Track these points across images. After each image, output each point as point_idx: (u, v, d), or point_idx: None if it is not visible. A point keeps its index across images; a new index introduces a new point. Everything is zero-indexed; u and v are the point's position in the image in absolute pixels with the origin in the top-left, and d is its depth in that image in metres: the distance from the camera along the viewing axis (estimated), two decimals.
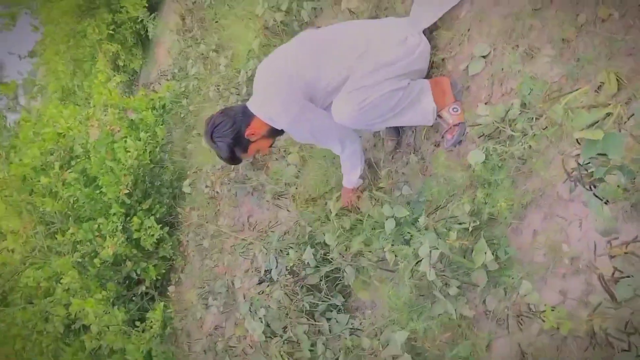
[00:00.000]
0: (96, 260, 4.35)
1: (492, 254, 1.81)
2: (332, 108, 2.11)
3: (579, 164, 1.39)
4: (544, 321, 1.57)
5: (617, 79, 1.60)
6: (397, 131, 2.57)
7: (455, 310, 1.86)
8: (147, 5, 7.43)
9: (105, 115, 4.71)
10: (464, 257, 1.84)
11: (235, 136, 2.24)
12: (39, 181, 4.36)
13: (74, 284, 4.19)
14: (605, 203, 1.39)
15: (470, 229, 1.82)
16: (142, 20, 7.62)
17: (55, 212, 4.47)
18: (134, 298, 4.95)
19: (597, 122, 1.38)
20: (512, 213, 1.88)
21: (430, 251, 1.83)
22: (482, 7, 2.18)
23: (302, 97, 2.12)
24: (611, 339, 1.32)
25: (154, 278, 4.81)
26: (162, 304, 4.23)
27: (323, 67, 2.11)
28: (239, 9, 4.39)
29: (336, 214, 2.53)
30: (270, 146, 2.44)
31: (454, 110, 2.19)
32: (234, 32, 4.50)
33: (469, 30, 2.25)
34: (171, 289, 4.66)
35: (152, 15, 7.53)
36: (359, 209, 2.51)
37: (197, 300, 4.07)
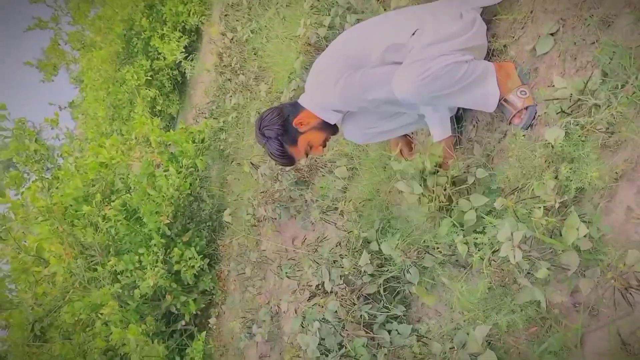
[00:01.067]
0: (136, 292, 4.24)
1: (586, 234, 1.62)
2: (393, 81, 1.98)
3: None
4: None
5: None
6: (456, 125, 2.44)
7: (545, 298, 1.66)
8: (184, 49, 7.61)
9: (147, 146, 4.71)
10: (552, 238, 1.65)
11: (282, 124, 2.19)
12: (81, 212, 4.33)
13: (114, 316, 4.06)
14: None
15: (557, 205, 1.65)
16: (179, 64, 7.79)
17: (97, 244, 4.41)
18: (173, 335, 4.80)
19: None
20: (603, 190, 1.70)
21: (512, 233, 1.66)
22: None
23: (353, 70, 2.03)
24: None
25: (194, 313, 4.66)
26: (203, 333, 4.05)
27: (374, 42, 2.04)
28: (279, 34, 4.40)
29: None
30: (324, 144, 2.32)
31: (522, 93, 2.06)
32: (274, 58, 4.50)
33: (532, 11, 2.14)
34: (212, 321, 4.49)
35: (190, 56, 7.69)
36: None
37: (240, 330, 3.88)
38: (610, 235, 1.66)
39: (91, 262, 4.57)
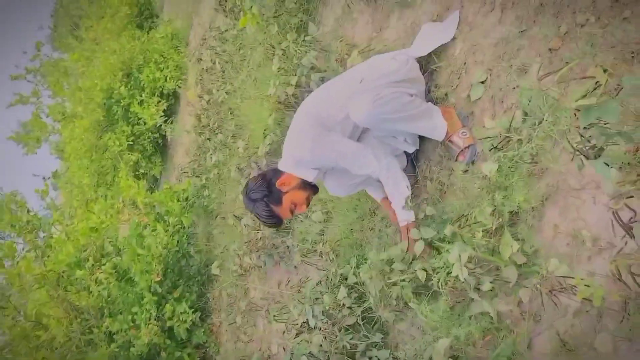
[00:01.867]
0: (132, 350, 4.38)
1: (519, 250, 1.90)
2: (350, 107, 2.29)
3: (581, 135, 1.54)
4: (575, 294, 1.64)
5: (604, 71, 1.79)
6: (413, 167, 2.74)
7: (492, 308, 1.92)
8: (163, 112, 7.93)
9: (134, 208, 4.95)
10: (492, 255, 1.93)
11: (267, 188, 2.43)
12: (74, 277, 4.52)
13: None
14: (613, 167, 1.52)
15: (494, 227, 1.93)
16: (159, 128, 8.09)
17: (90, 307, 4.57)
18: None
19: (588, 92, 1.54)
20: (532, 212, 2.00)
21: (460, 254, 1.93)
22: (473, 41, 2.43)
23: (327, 129, 2.34)
24: (638, 280, 1.39)
25: None
26: None
27: (332, 102, 2.38)
28: (252, 95, 4.73)
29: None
30: (308, 202, 2.54)
31: (463, 134, 2.37)
32: (249, 116, 4.82)
33: (465, 63, 2.48)
34: None
35: (169, 119, 8.01)
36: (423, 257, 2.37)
37: None
38: (542, 249, 1.95)
39: (86, 325, 4.71)
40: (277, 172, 2.49)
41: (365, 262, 2.86)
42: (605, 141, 1.52)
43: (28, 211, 4.92)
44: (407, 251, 2.36)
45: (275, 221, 2.49)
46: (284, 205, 2.44)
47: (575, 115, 1.66)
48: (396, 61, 2.43)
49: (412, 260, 2.33)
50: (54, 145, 10.72)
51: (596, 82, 1.55)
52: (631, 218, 1.41)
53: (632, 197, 1.43)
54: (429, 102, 2.45)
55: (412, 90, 2.36)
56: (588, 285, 1.63)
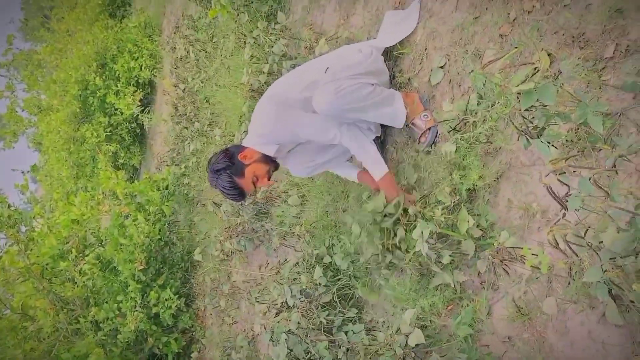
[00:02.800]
0: (119, 337, 4.49)
1: (475, 224, 2.05)
2: (313, 98, 2.40)
3: (523, 117, 1.67)
4: (524, 262, 1.79)
5: (548, 55, 1.92)
6: (381, 150, 2.86)
7: (452, 279, 2.07)
8: (139, 102, 7.95)
9: (115, 199, 5.02)
10: (452, 231, 2.07)
11: (229, 160, 2.51)
12: (58, 269, 4.59)
13: None
14: (552, 146, 1.66)
15: (452, 205, 2.07)
16: (137, 118, 8.11)
17: (76, 297, 4.67)
18: None
19: (528, 77, 1.67)
20: (488, 188, 2.14)
21: (422, 231, 2.07)
22: (432, 27, 2.55)
23: (291, 106, 2.46)
24: (572, 246, 1.54)
25: (176, 351, 4.92)
26: None
27: (296, 85, 2.49)
28: (226, 83, 4.81)
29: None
30: (269, 176, 2.62)
31: (424, 116, 2.50)
32: (224, 104, 4.90)
33: (425, 49, 2.60)
34: (194, 355, 4.76)
35: (146, 109, 8.04)
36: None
37: (220, 358, 4.18)
38: (498, 223, 2.10)
39: (72, 315, 4.81)
40: (240, 147, 2.58)
41: (340, 243, 3.01)
42: (545, 122, 1.65)
43: (9, 206, 4.97)
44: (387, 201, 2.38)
45: (237, 193, 2.55)
46: (247, 177, 2.52)
47: (518, 98, 1.79)
48: (361, 53, 2.54)
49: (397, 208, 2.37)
50: (31, 138, 10.68)
51: (535, 68, 1.68)
52: (567, 192, 1.55)
53: (564, 173, 1.57)
54: (391, 89, 2.56)
55: (374, 81, 2.47)
56: (535, 255, 1.78)
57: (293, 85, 2.53)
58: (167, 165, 6.51)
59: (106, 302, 4.77)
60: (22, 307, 4.34)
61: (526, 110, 1.77)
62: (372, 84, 2.44)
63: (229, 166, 2.49)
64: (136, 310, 4.65)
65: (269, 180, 2.63)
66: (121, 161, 8.72)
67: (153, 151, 8.26)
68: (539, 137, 1.69)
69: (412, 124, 2.53)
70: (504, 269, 1.94)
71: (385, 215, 2.33)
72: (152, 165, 7.97)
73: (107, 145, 8.36)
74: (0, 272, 4.41)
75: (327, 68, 2.49)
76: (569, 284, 1.80)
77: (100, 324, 4.58)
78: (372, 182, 2.73)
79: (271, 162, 2.60)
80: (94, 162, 8.62)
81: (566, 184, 1.56)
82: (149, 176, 5.55)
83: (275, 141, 2.54)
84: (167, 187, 5.69)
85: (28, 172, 10.19)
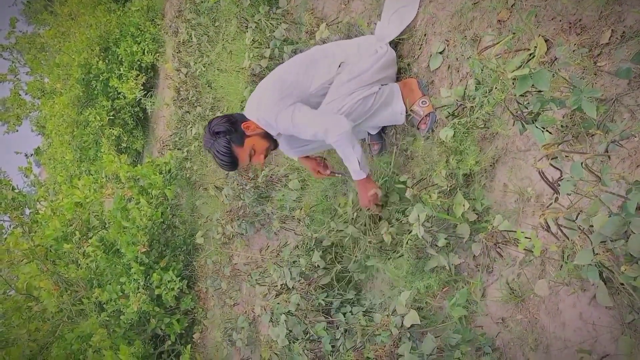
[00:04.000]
0: (123, 318, 4.56)
1: (471, 208, 2.08)
2: (327, 131, 2.38)
3: (518, 102, 1.70)
4: (517, 245, 1.82)
5: (545, 40, 1.94)
6: (380, 135, 2.89)
7: (447, 262, 2.11)
8: (142, 86, 7.97)
9: (118, 182, 5.07)
10: (448, 214, 2.11)
11: (231, 125, 2.42)
12: (62, 251, 4.66)
13: (104, 343, 4.38)
14: (546, 131, 1.68)
15: (448, 189, 2.10)
16: (139, 101, 8.13)
17: (79, 279, 4.73)
18: (161, 356, 5.12)
19: (523, 63, 1.69)
20: (484, 173, 2.17)
21: (418, 215, 2.10)
22: (432, 13, 2.56)
23: (294, 98, 2.44)
24: (564, 230, 1.57)
25: (179, 332, 4.99)
26: (189, 346, 4.40)
27: (313, 77, 2.47)
28: (228, 67, 4.83)
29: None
30: (266, 155, 2.56)
31: (423, 103, 2.52)
32: (226, 89, 4.92)
33: (425, 35, 2.62)
34: (196, 336, 4.83)
35: (149, 94, 8.05)
36: (380, 207, 2.56)
37: (222, 339, 4.25)
38: (494, 206, 2.13)
39: (76, 296, 4.88)
40: (244, 116, 2.50)
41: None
42: (540, 107, 1.67)
43: (13, 189, 5.02)
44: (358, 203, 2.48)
45: (231, 161, 2.46)
46: (245, 147, 2.44)
47: (514, 84, 1.81)
48: (377, 54, 2.52)
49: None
50: (35, 121, 10.71)
51: (530, 54, 1.70)
52: (559, 176, 1.58)
53: (557, 157, 1.60)
54: (391, 85, 2.56)
55: (376, 88, 2.46)
56: (529, 238, 1.81)
57: (307, 77, 2.48)
58: (170, 149, 6.55)
59: (109, 284, 4.83)
60: (26, 288, 4.41)
61: (522, 95, 1.79)
62: (374, 93, 2.45)
63: (229, 131, 2.41)
64: (139, 292, 4.71)
65: (265, 158, 2.57)
66: (124, 145, 8.75)
67: (156, 135, 8.29)
68: (534, 123, 1.71)
69: (411, 110, 2.55)
70: (498, 252, 1.97)
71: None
72: (154, 149, 8.00)
73: (110, 129, 8.38)
74: (4, 254, 4.47)
75: (342, 63, 2.49)
76: (561, 266, 1.83)
77: (104, 305, 4.65)
78: (323, 169, 2.86)
79: (271, 141, 2.55)
80: (97, 146, 8.66)
81: (559, 169, 1.59)
82: (152, 160, 5.59)
83: (276, 128, 2.52)
84: (169, 171, 5.73)
85: (32, 155, 10.29)
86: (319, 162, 2.90)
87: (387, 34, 2.70)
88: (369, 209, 2.59)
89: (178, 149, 6.24)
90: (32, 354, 4.49)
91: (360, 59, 2.51)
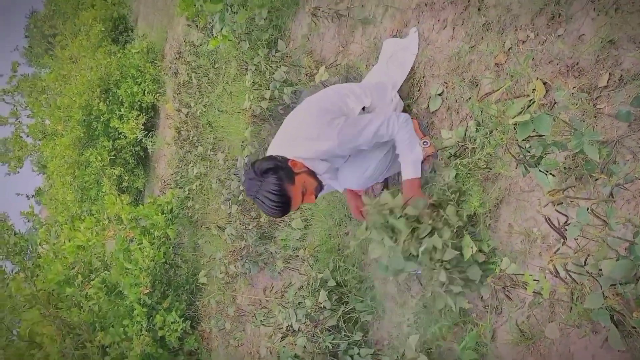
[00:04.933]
0: None
1: (477, 250, 2.08)
2: (339, 177, 2.45)
3: (520, 146, 1.72)
4: (526, 289, 1.82)
5: (543, 83, 1.97)
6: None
7: (455, 303, 2.10)
8: (143, 126, 8.04)
9: (120, 224, 5.07)
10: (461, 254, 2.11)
11: (279, 162, 2.19)
12: (64, 294, 4.63)
13: None
14: (550, 174, 1.70)
15: (455, 229, 2.11)
16: (140, 141, 8.19)
17: (82, 323, 4.69)
18: None
19: (524, 108, 1.72)
20: (489, 214, 2.18)
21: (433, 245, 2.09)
22: (429, 56, 2.61)
23: (340, 114, 2.32)
24: (572, 275, 1.58)
25: None
26: None
27: (347, 107, 2.40)
28: (229, 108, 4.88)
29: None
30: (316, 194, 2.33)
31: (425, 144, 2.55)
32: (227, 129, 4.97)
33: (423, 77, 2.66)
34: None
35: (150, 133, 8.12)
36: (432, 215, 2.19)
37: None
38: (499, 247, 2.13)
39: (79, 340, 4.83)
40: (285, 158, 2.24)
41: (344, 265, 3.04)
42: (542, 151, 1.70)
43: (15, 234, 5.01)
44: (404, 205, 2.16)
45: (283, 202, 2.15)
46: (297, 184, 2.17)
47: (515, 128, 1.84)
48: (392, 104, 2.56)
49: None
50: (36, 162, 10.77)
51: (530, 100, 1.74)
52: (566, 221, 1.59)
53: (561, 203, 1.61)
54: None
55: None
56: (537, 280, 1.82)
57: (340, 102, 2.38)
58: (171, 188, 6.57)
59: (112, 327, 4.79)
60: (29, 335, 4.37)
61: (523, 140, 1.82)
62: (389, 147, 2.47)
63: (279, 167, 2.16)
64: (142, 334, 4.67)
65: (315, 198, 2.33)
66: (125, 184, 8.77)
67: (157, 174, 8.32)
68: (536, 166, 1.73)
69: None
70: (507, 295, 1.97)
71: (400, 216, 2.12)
72: (156, 187, 8.02)
73: (111, 168, 8.41)
74: (7, 300, 4.45)
75: (365, 107, 2.46)
76: (571, 309, 1.83)
77: (107, 349, 4.60)
78: (355, 210, 2.68)
79: (317, 180, 2.31)
80: (98, 186, 8.67)
81: (564, 214, 1.60)
82: (154, 200, 5.60)
83: (339, 152, 2.28)
84: (171, 210, 5.74)
85: (33, 196, 10.31)
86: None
87: (396, 81, 2.73)
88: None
89: (179, 188, 6.26)
90: None
91: (382, 108, 2.51)
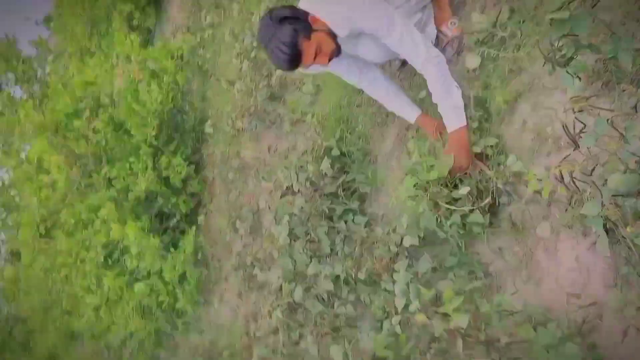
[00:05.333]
0: (130, 195, 4.69)
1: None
2: (362, 49, 2.34)
3: (551, 44, 1.66)
4: (527, 187, 1.87)
5: None
6: None
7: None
8: None
9: (129, 62, 5.00)
10: None
11: (297, 14, 2.07)
12: (72, 126, 4.69)
13: (111, 215, 4.55)
14: (577, 77, 1.66)
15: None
16: None
17: (89, 154, 4.81)
18: (167, 231, 5.31)
19: (565, 4, 1.64)
20: (506, 106, 2.17)
21: None
22: None
23: None
24: (577, 183, 1.61)
25: (184, 212, 5.15)
26: (194, 227, 4.57)
27: None
28: None
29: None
30: (330, 57, 2.17)
31: (452, 24, 2.45)
32: None
33: None
34: (201, 218, 4.99)
35: None
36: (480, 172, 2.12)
37: (226, 227, 4.42)
38: (508, 142, 2.14)
39: (85, 170, 4.99)
40: (306, 12, 2.10)
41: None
42: (574, 52, 1.64)
43: (23, 61, 4.95)
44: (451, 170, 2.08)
45: (294, 54, 2.04)
46: (312, 41, 2.05)
47: (551, 24, 1.76)
48: None
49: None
50: None
51: None
52: (582, 128, 1.58)
53: (582, 111, 1.59)
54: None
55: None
56: (540, 180, 1.85)
57: None
58: (183, 32, 6.39)
59: (118, 161, 4.92)
60: (37, 161, 4.49)
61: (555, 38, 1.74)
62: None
63: (297, 19, 2.04)
64: (147, 172, 4.80)
65: (329, 61, 2.18)
66: (135, 22, 8.50)
67: (169, 15, 8.04)
68: (565, 67, 1.69)
69: (439, 30, 2.48)
70: (506, 190, 2.02)
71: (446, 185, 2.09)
72: (167, 29, 7.79)
73: (122, 4, 8.10)
74: (16, 125, 4.51)
75: None
76: (566, 210, 1.88)
77: (113, 181, 4.76)
78: (432, 132, 2.34)
79: (337, 43, 2.16)
80: (108, 21, 8.42)
81: (582, 122, 1.59)
82: (164, 44, 5.47)
83: (349, 24, 2.13)
84: (181, 57, 5.63)
85: (41, 22, 10.04)
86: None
87: None
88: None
89: (191, 34, 6.09)
90: (42, 219, 4.68)
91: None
